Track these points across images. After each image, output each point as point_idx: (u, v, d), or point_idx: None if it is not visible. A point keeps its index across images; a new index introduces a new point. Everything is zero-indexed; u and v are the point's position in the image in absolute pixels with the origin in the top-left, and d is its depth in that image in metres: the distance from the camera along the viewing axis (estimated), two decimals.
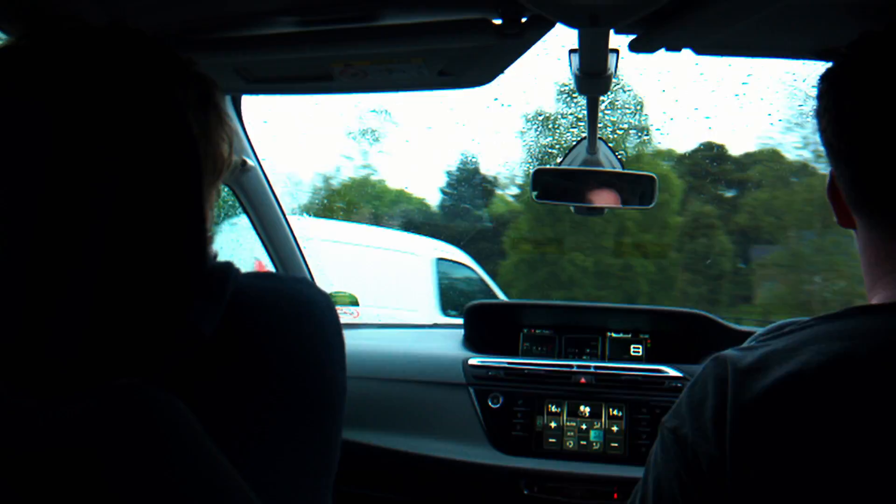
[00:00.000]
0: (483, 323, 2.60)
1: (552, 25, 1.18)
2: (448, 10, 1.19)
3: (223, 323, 0.76)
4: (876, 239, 0.83)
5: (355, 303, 3.80)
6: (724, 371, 0.79)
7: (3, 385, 0.58)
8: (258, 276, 0.87)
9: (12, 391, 0.58)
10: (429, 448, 2.17)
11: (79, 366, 0.62)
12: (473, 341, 2.55)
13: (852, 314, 0.80)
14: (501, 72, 1.40)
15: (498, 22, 1.19)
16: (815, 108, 0.87)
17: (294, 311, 0.85)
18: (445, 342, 2.56)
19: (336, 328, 0.90)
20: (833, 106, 0.83)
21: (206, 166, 0.89)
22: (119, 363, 0.64)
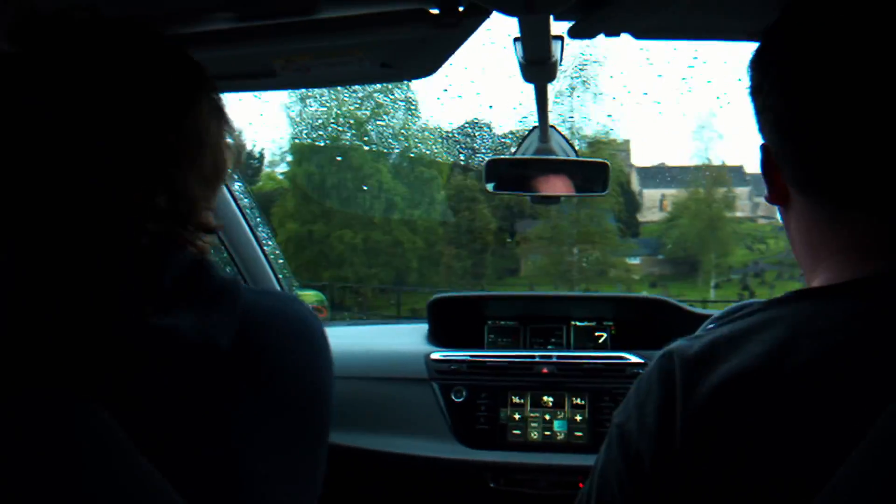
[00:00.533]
0: (447, 316, 2.59)
1: (488, 14, 1.17)
2: (386, 2, 1.17)
3: (237, 337, 0.78)
4: (820, 220, 0.80)
5: (322, 302, 3.78)
6: (670, 365, 0.77)
7: None
8: (259, 294, 0.92)
9: None
10: (394, 445, 2.16)
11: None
12: (438, 335, 2.54)
13: (796, 299, 0.77)
14: (444, 61, 1.39)
15: (435, 12, 1.18)
16: (750, 83, 0.83)
17: (298, 331, 0.90)
18: (409, 337, 2.55)
19: (329, 349, 0.95)
20: (776, 80, 0.79)
21: (206, 166, 0.90)
22: (47, 370, 0.63)
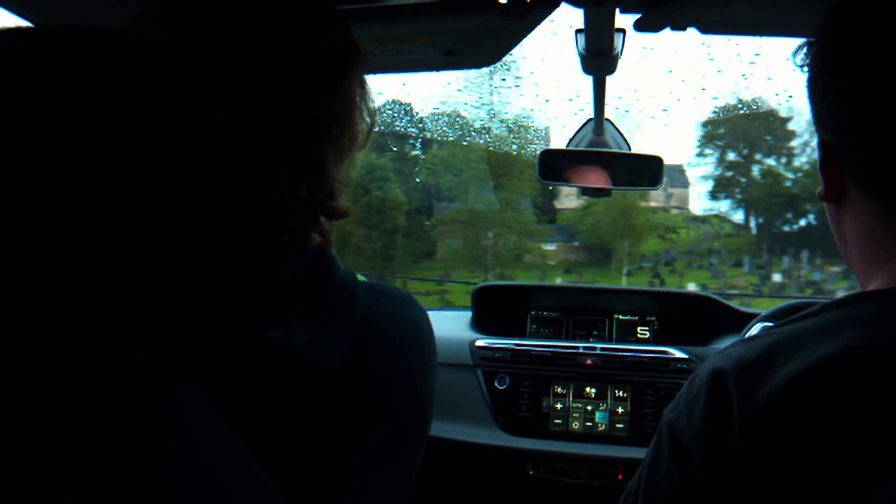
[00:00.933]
0: (491, 305, 2.60)
1: (557, 5, 1.18)
2: None
3: (350, 351, 0.72)
4: (883, 221, 0.78)
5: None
6: (724, 369, 0.76)
7: (14, 362, 0.55)
8: (377, 294, 0.83)
9: (23, 368, 0.55)
10: (437, 429, 2.17)
11: (93, 343, 0.58)
12: (481, 323, 2.56)
13: (856, 301, 0.76)
14: (508, 51, 1.40)
15: (503, 1, 1.19)
16: (809, 76, 0.81)
17: (412, 340, 0.83)
18: (454, 323, 2.57)
19: (435, 354, 0.89)
20: (843, 73, 0.76)
21: (345, 143, 0.82)
22: (141, 342, 0.60)
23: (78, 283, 0.57)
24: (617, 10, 1.19)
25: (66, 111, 0.57)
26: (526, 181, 29.08)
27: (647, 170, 2.01)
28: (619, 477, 2.05)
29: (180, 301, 0.63)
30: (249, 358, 0.65)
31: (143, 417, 0.57)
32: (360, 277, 0.80)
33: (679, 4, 1.15)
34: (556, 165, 2.01)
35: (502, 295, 2.63)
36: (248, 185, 0.70)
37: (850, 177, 0.80)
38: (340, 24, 0.81)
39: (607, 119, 1.91)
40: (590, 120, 1.93)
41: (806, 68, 0.82)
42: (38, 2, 1.19)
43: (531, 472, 2.11)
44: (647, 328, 2.49)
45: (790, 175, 37.43)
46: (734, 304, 2.42)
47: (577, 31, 1.37)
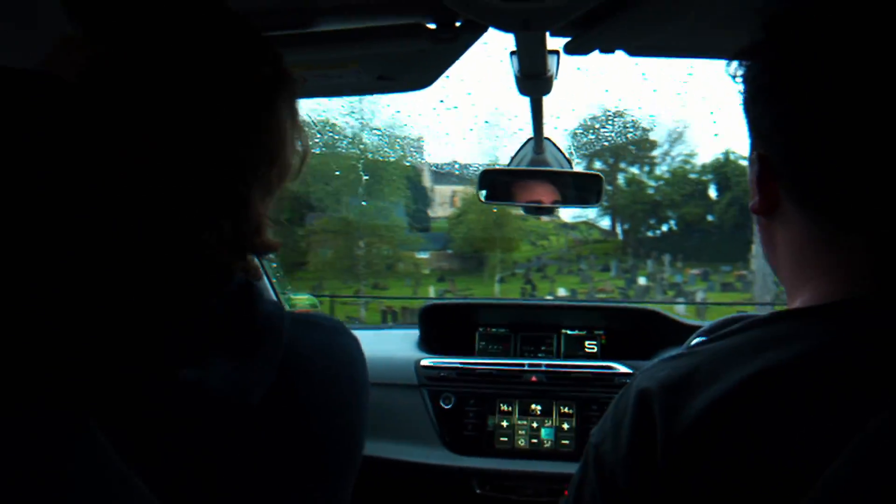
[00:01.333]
0: (438, 323, 2.60)
1: (485, 29, 1.18)
2: (383, 16, 1.18)
3: (273, 386, 0.70)
4: (816, 238, 0.78)
5: (315, 306, 3.77)
6: (648, 390, 0.76)
7: None
8: (304, 325, 0.80)
9: None
10: (382, 450, 2.16)
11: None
12: (429, 342, 2.56)
13: (780, 318, 0.77)
14: (441, 74, 1.40)
15: (432, 27, 1.19)
16: (744, 93, 0.81)
17: (340, 373, 0.81)
18: (400, 343, 2.56)
19: (366, 383, 0.87)
20: (781, 86, 0.76)
21: (273, 178, 0.78)
22: (43, 387, 0.57)
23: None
24: (547, 34, 1.20)
25: None
26: (397, 189, 29.25)
27: (590, 186, 2.02)
28: (566, 493, 2.04)
29: (91, 342, 0.60)
30: (164, 398, 0.63)
31: (43, 469, 0.54)
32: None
33: (607, 28, 1.16)
34: (496, 184, 2.02)
35: (450, 313, 2.63)
36: (170, 222, 0.67)
37: (784, 190, 0.79)
38: (270, 53, 0.77)
39: (547, 138, 1.92)
40: (529, 139, 1.93)
41: (742, 82, 0.82)
42: None
43: (478, 491, 2.10)
44: (594, 342, 2.51)
45: (652, 183, 39.89)
46: (674, 315, 2.45)
47: (512, 53, 1.37)
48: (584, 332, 2.53)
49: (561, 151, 1.99)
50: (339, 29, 1.21)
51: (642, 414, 0.75)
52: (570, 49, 1.25)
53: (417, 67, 1.36)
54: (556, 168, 1.99)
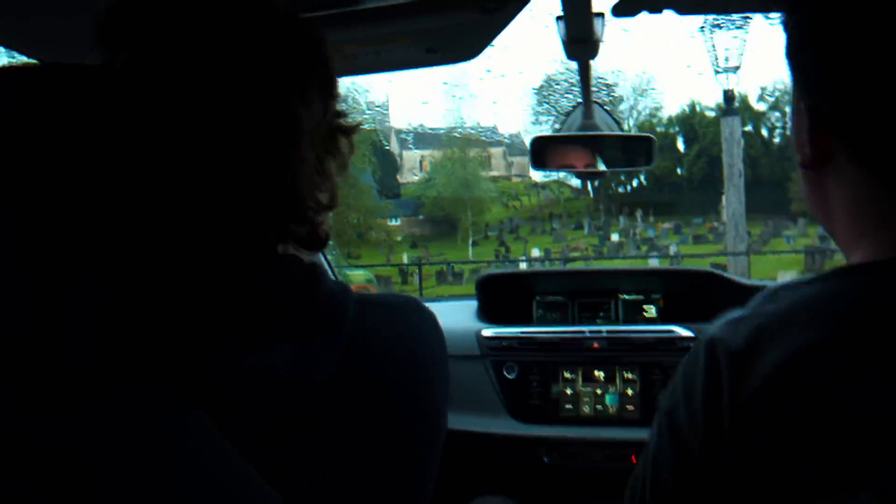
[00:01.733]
0: (496, 293, 2.60)
1: None
2: None
3: (339, 364, 0.70)
4: (876, 192, 0.74)
5: (371, 281, 3.81)
6: (716, 354, 0.74)
7: (9, 395, 0.54)
8: (370, 303, 0.79)
9: (19, 401, 0.54)
10: (449, 421, 2.18)
11: (94, 375, 0.57)
12: (487, 312, 2.56)
13: (838, 275, 0.74)
14: (488, 44, 1.40)
15: None
16: (791, 38, 0.76)
17: (412, 351, 0.80)
18: (460, 314, 2.57)
19: (444, 363, 0.85)
20: (834, 32, 0.71)
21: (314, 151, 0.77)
22: (141, 372, 0.59)
23: (75, 316, 0.57)
24: None
25: (47, 146, 0.57)
26: (362, 156, 28.99)
27: (640, 149, 2.01)
28: (633, 459, 2.05)
29: (176, 328, 0.62)
30: (232, 383, 0.64)
31: (152, 448, 0.56)
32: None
33: None
34: (547, 151, 2.01)
35: (506, 283, 2.64)
36: (230, 206, 0.68)
37: (840, 143, 0.75)
38: (306, 35, 0.76)
39: (596, 102, 1.91)
40: (579, 104, 1.92)
41: (789, 28, 0.77)
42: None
43: (545, 460, 2.12)
44: (652, 306, 2.49)
45: None
46: (732, 276, 2.42)
47: (558, 18, 1.37)
48: (641, 297, 2.52)
49: (612, 115, 1.98)
50: (386, 5, 1.21)
51: (713, 379, 0.74)
52: (618, 10, 1.24)
53: (465, 38, 1.36)
54: (606, 132, 1.98)
